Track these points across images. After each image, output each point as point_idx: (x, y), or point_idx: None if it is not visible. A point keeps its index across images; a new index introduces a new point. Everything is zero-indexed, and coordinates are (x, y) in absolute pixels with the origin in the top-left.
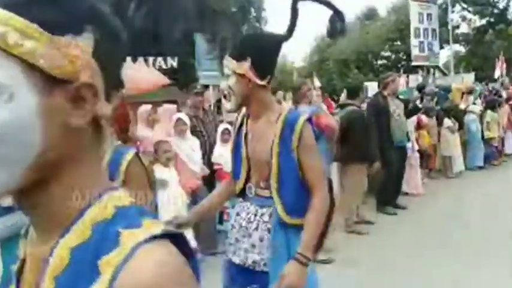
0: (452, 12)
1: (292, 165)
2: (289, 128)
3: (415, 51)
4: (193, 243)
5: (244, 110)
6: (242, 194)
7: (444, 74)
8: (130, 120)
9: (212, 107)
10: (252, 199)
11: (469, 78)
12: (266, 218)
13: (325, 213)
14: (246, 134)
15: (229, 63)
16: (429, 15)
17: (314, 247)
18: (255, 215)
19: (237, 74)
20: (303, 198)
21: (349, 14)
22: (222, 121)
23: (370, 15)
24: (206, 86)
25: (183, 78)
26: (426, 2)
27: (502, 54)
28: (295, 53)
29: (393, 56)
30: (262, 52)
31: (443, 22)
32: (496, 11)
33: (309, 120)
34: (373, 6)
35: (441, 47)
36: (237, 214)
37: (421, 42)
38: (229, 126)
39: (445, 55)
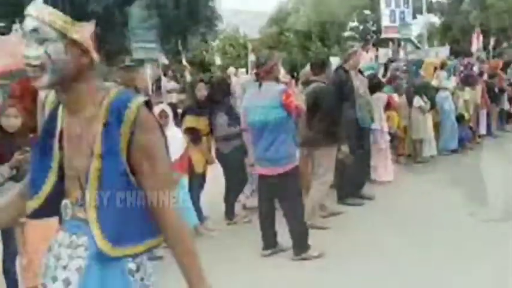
0: None
1: (120, 171)
2: (116, 117)
3: (385, 22)
4: None
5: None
6: (46, 213)
7: (417, 48)
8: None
9: (151, 86)
10: (67, 223)
11: (443, 52)
12: (81, 251)
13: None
14: (61, 131)
15: (56, 18)
16: None
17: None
18: (69, 247)
19: (67, 39)
20: (134, 220)
21: None
22: (161, 102)
23: None
24: (142, 61)
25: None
26: None
27: (478, 26)
28: (249, 24)
29: (361, 27)
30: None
31: None
32: None
33: (147, 103)
34: None
35: (414, 17)
36: (49, 249)
37: (393, 11)
38: (167, 108)
39: (418, 26)
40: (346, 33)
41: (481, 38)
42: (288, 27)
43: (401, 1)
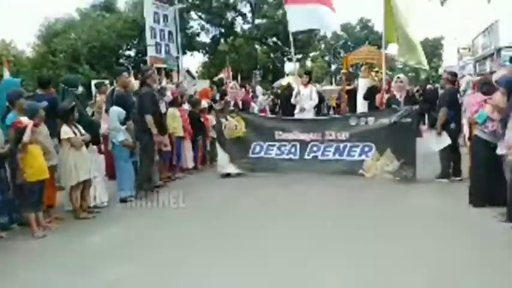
0: (193, 19)
1: None
2: None
3: (151, 52)
4: None
5: None
6: None
7: (193, 78)
8: None
9: None
10: None
11: (205, 84)
12: None
13: None
14: None
15: None
16: (165, 16)
17: None
18: None
19: None
20: None
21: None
22: None
23: (108, 7)
24: None
25: None
26: (162, 2)
27: (227, 63)
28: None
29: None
30: None
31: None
32: (224, 22)
33: None
34: None
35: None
36: None
37: (158, 44)
38: None
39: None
40: (121, 60)
41: (231, 73)
42: (55, 47)
43: (166, 35)
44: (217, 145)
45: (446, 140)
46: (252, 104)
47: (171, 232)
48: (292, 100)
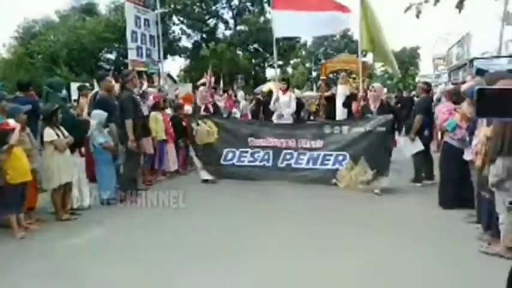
0: (174, 24)
1: None
2: None
3: (132, 56)
4: None
5: None
6: None
7: (175, 82)
8: None
9: None
10: None
11: (187, 88)
12: None
13: None
14: None
15: None
16: (146, 20)
17: None
18: None
19: None
20: None
21: (63, 3)
22: None
23: (89, 10)
24: None
25: None
26: (143, 6)
27: (210, 68)
28: None
29: (119, 59)
30: None
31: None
32: (206, 28)
33: None
34: (91, 0)
35: (165, 57)
36: None
37: (139, 47)
38: None
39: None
40: (101, 63)
41: (213, 78)
42: (33, 49)
43: (147, 39)
44: (191, 151)
45: (419, 146)
46: (234, 109)
47: (153, 234)
48: (271, 106)
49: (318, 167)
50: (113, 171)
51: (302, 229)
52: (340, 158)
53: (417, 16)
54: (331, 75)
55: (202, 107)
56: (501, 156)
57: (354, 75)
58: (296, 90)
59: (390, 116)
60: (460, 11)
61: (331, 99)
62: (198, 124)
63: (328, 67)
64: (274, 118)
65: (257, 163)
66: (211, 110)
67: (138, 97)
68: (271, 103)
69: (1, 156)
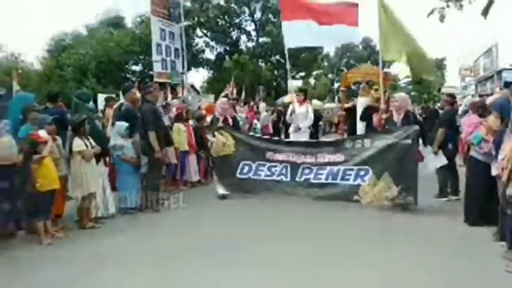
0: (198, 37)
1: None
2: None
3: (157, 68)
4: None
5: None
6: None
7: (198, 93)
8: None
9: None
10: None
11: (210, 99)
12: None
13: None
14: None
15: None
16: (171, 33)
17: None
18: None
19: None
20: None
21: (91, 17)
22: None
23: (117, 23)
24: None
25: None
26: (168, 20)
27: (232, 79)
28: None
29: (145, 71)
30: None
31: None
32: (229, 40)
33: None
34: (119, 14)
35: (189, 69)
36: None
37: (164, 60)
38: None
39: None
40: (128, 75)
41: (235, 90)
42: (63, 61)
43: (172, 51)
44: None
45: (442, 160)
46: (255, 120)
47: (175, 243)
48: (287, 118)
49: (339, 182)
50: (134, 181)
51: (320, 252)
52: (362, 172)
53: (441, 20)
54: (353, 87)
55: (221, 119)
56: None
57: (376, 87)
58: (315, 101)
59: (416, 127)
60: (485, 17)
61: (352, 111)
62: (214, 135)
63: (350, 77)
64: (291, 131)
65: (274, 177)
66: (230, 122)
67: (161, 108)
68: (287, 115)
69: (32, 165)
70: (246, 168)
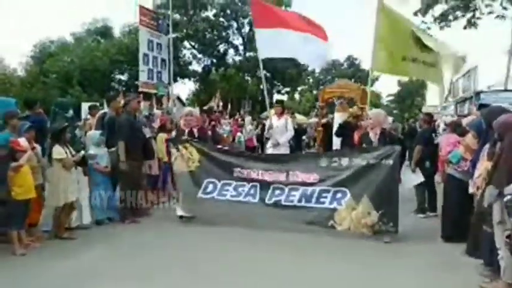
0: (186, 48)
1: None
2: None
3: (143, 78)
4: None
5: None
6: None
7: (184, 105)
8: None
9: None
10: None
11: (195, 111)
12: None
13: None
14: None
15: None
16: (159, 44)
17: None
18: None
19: None
20: None
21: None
22: None
23: (104, 32)
24: None
25: None
26: (156, 31)
27: (218, 92)
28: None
29: (131, 80)
30: None
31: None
32: (217, 53)
33: None
34: (106, 24)
35: (175, 80)
36: None
37: (150, 70)
38: None
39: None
40: (113, 84)
41: (221, 102)
42: (47, 68)
43: (158, 62)
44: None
45: (419, 178)
46: (239, 133)
47: (151, 256)
48: (265, 133)
49: (313, 205)
50: (107, 192)
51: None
52: (339, 195)
53: None
54: (336, 101)
55: (186, 131)
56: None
57: (361, 105)
58: (300, 116)
59: (397, 147)
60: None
61: (329, 127)
62: (178, 149)
63: (327, 93)
64: (269, 146)
65: (241, 198)
66: (196, 134)
67: (144, 119)
68: (266, 130)
69: (9, 172)
70: (211, 186)
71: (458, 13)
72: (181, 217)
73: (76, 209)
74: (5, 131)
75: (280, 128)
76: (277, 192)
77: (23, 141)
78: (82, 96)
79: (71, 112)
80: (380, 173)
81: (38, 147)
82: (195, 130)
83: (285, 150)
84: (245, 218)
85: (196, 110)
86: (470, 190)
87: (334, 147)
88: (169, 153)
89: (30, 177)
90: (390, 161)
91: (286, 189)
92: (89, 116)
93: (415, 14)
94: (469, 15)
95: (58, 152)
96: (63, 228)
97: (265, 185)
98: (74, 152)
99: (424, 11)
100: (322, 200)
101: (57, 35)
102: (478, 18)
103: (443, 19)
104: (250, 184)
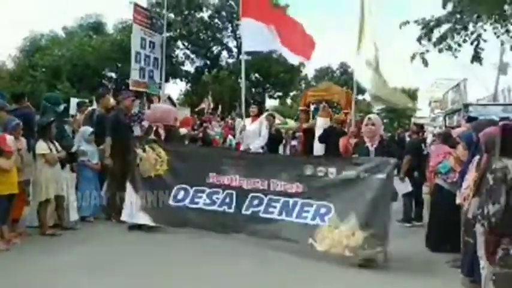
0: (178, 48)
1: None
2: None
3: (134, 76)
4: None
5: None
6: None
7: (174, 105)
8: None
9: None
10: None
11: (186, 111)
12: None
13: None
14: None
15: None
16: (152, 43)
17: None
18: None
19: None
20: None
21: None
22: None
23: (96, 28)
24: None
25: None
26: (150, 29)
27: (210, 94)
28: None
29: (121, 79)
30: None
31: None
32: (211, 55)
33: None
34: (99, 19)
35: (167, 80)
36: None
37: (142, 68)
38: None
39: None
40: (104, 81)
41: (212, 104)
42: (36, 62)
43: (151, 61)
44: (128, 184)
45: (407, 187)
46: (230, 136)
47: (137, 253)
48: (237, 137)
49: (293, 220)
50: (93, 188)
51: None
52: (323, 210)
53: (425, 65)
54: (313, 106)
55: (154, 128)
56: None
57: (347, 111)
58: (291, 122)
59: (393, 160)
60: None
61: (311, 133)
62: (144, 150)
63: (309, 96)
64: None
65: (215, 207)
66: (163, 134)
67: (135, 117)
68: (237, 133)
69: None
70: (182, 193)
71: (457, 37)
72: (138, 227)
73: (63, 205)
74: None
75: (252, 132)
76: (256, 202)
77: (10, 141)
78: (71, 91)
79: (61, 107)
80: (371, 188)
81: (24, 142)
82: (161, 130)
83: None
84: (218, 230)
85: (187, 111)
86: (458, 201)
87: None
88: (134, 154)
89: (14, 173)
90: (383, 175)
91: (266, 200)
92: (77, 112)
93: (419, 41)
94: (472, 38)
95: (41, 147)
96: (46, 224)
97: (242, 193)
98: (59, 148)
99: (425, 36)
100: (304, 214)
101: (48, 29)
102: (482, 49)
103: (441, 42)
104: (226, 192)
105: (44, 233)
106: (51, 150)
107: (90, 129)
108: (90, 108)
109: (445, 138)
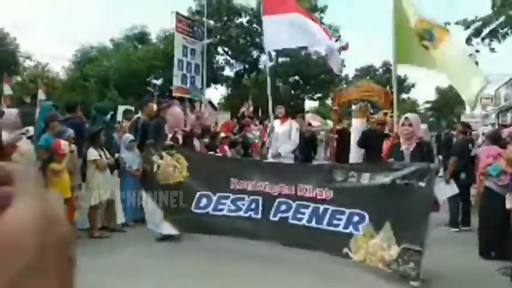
0: (219, 54)
1: None
2: None
3: (176, 82)
4: None
5: None
6: None
7: (215, 109)
8: None
9: None
10: None
11: (227, 116)
12: None
13: None
14: None
15: None
16: (193, 50)
17: None
18: None
19: None
20: None
21: (118, 32)
22: None
23: (141, 38)
24: None
25: None
26: (191, 37)
27: (250, 98)
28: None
29: (165, 85)
30: None
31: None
32: (250, 59)
33: None
34: (144, 30)
35: (208, 85)
36: None
37: (184, 75)
38: None
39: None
40: (149, 88)
41: (251, 108)
42: (87, 72)
43: (192, 68)
44: (144, 194)
45: (453, 189)
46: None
47: (181, 260)
48: (266, 141)
49: (325, 228)
50: (135, 194)
51: None
52: (356, 218)
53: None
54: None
55: (170, 135)
56: None
57: (386, 111)
58: (330, 122)
59: (434, 165)
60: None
61: (344, 134)
62: (161, 157)
63: (344, 95)
64: (269, 156)
65: (241, 213)
66: (180, 140)
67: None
68: (265, 136)
69: (48, 173)
70: (204, 200)
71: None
72: (168, 237)
73: (113, 209)
74: (47, 134)
75: (281, 135)
76: (283, 207)
77: (64, 145)
78: (119, 99)
79: (108, 116)
80: (408, 197)
81: (75, 149)
82: (179, 136)
83: (288, 161)
84: (245, 237)
85: (228, 115)
86: (508, 205)
87: (351, 160)
88: (150, 162)
89: (67, 178)
90: (422, 183)
91: (294, 205)
92: (124, 120)
93: (467, 42)
94: None
95: (92, 153)
96: (96, 226)
97: (268, 199)
98: (108, 155)
99: (475, 34)
100: (335, 222)
101: (97, 41)
102: None
103: (492, 37)
104: (251, 197)
105: (93, 235)
106: (100, 156)
107: (130, 136)
108: (135, 116)
109: (495, 138)
